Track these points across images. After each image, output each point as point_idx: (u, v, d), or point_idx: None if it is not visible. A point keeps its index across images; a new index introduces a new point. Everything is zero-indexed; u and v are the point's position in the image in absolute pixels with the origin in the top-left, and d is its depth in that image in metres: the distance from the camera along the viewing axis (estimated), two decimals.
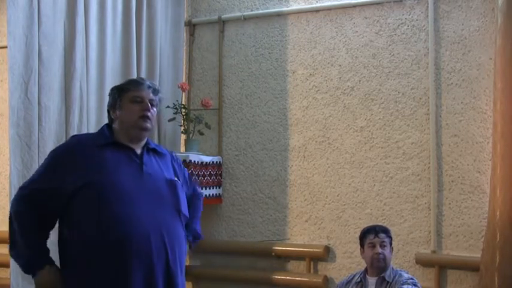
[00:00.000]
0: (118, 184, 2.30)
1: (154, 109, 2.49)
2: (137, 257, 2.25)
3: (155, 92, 2.50)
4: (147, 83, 2.51)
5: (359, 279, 3.12)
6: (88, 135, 2.67)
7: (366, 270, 3.13)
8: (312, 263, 3.94)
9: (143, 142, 2.49)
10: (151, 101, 2.47)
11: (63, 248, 2.33)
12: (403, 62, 3.80)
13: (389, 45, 3.84)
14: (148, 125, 2.45)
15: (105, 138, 2.43)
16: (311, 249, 3.93)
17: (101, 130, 2.50)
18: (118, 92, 2.48)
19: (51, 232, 2.38)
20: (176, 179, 2.52)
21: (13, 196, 2.43)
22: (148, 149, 2.49)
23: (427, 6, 3.73)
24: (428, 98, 3.70)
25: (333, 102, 3.97)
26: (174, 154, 2.68)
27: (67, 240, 2.31)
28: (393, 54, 3.83)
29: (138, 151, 2.45)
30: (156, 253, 2.29)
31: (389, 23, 3.85)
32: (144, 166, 2.41)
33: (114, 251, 2.23)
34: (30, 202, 2.31)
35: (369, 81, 3.88)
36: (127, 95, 2.45)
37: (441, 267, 3.60)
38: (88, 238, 2.25)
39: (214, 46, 4.37)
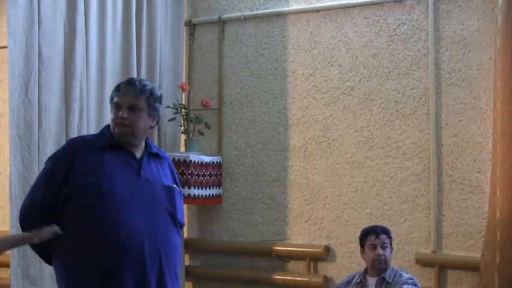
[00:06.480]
0: (113, 187, 2.27)
1: (140, 113, 2.35)
2: (129, 262, 2.22)
3: (141, 94, 2.35)
4: (135, 87, 2.36)
5: (359, 279, 3.12)
6: (85, 138, 2.60)
7: (365, 271, 3.13)
8: (312, 263, 3.94)
9: (141, 145, 2.42)
10: (132, 106, 2.34)
11: (57, 248, 2.31)
12: (403, 62, 3.80)
13: (389, 45, 3.84)
14: (125, 130, 2.34)
15: (106, 140, 2.38)
16: (311, 249, 3.93)
17: (101, 132, 2.45)
18: (111, 94, 2.42)
19: None
20: (175, 185, 2.47)
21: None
22: (150, 154, 2.43)
23: (427, 6, 3.73)
24: (428, 98, 3.70)
25: (333, 102, 3.97)
26: (169, 159, 2.58)
27: (61, 242, 2.28)
28: (393, 54, 3.83)
29: (138, 155, 2.40)
30: (150, 259, 2.25)
31: (389, 23, 3.85)
32: (142, 171, 2.36)
33: (106, 254, 2.21)
34: (32, 217, 2.31)
35: (369, 81, 3.88)
36: (112, 99, 2.39)
37: (441, 267, 3.60)
38: (81, 240, 2.24)
39: (214, 46, 4.36)
